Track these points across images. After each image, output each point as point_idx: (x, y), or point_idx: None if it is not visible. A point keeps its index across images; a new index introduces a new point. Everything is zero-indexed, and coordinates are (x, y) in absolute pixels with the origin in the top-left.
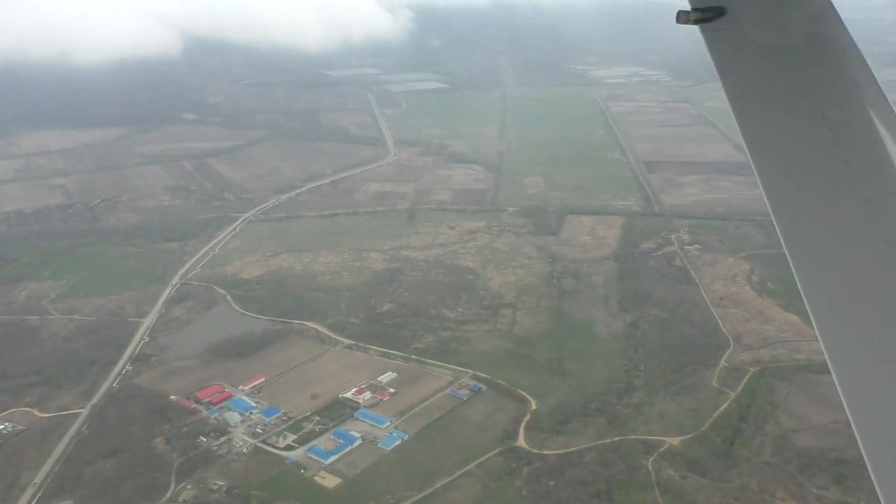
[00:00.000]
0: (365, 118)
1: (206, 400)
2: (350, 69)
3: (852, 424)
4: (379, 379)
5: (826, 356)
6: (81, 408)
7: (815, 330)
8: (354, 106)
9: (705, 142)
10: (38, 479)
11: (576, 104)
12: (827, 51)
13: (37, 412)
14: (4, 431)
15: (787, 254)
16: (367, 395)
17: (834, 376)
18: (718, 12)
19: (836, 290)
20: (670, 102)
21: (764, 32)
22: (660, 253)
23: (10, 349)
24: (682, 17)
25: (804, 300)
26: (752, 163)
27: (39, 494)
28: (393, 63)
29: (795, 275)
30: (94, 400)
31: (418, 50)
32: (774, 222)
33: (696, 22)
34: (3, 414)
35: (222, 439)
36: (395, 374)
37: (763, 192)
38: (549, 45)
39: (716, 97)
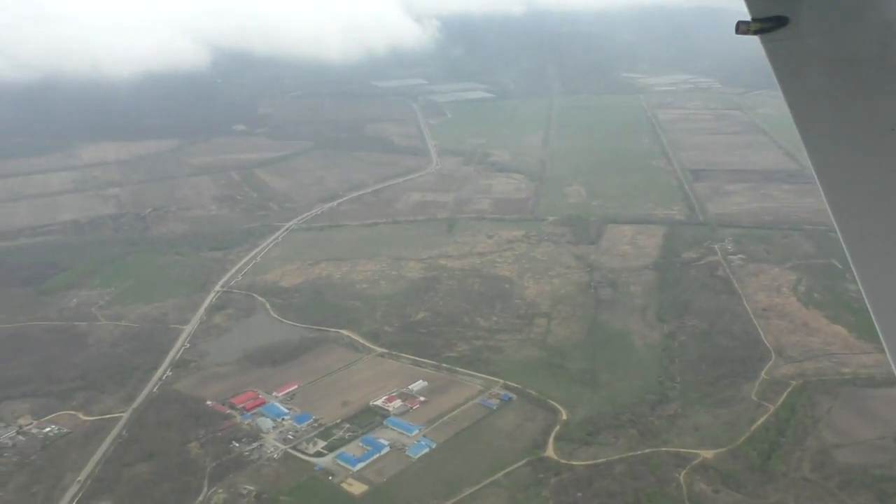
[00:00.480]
0: (409, 128)
1: (241, 406)
2: (397, 80)
3: None
4: (409, 387)
5: (894, 368)
6: (122, 412)
7: (886, 348)
8: (399, 116)
9: (756, 149)
10: (80, 479)
11: (622, 112)
12: None
13: (81, 415)
14: (50, 434)
15: (853, 269)
16: (397, 403)
17: None
18: (780, 22)
19: None
20: (721, 110)
21: (829, 42)
22: (702, 262)
23: (59, 354)
24: (741, 27)
25: (872, 317)
26: (816, 178)
27: (80, 495)
28: (439, 73)
29: (862, 290)
30: (135, 404)
31: (463, 60)
32: (840, 237)
33: (756, 32)
34: (50, 417)
35: (254, 445)
36: (425, 383)
37: (828, 207)
38: (597, 53)
39: (768, 104)
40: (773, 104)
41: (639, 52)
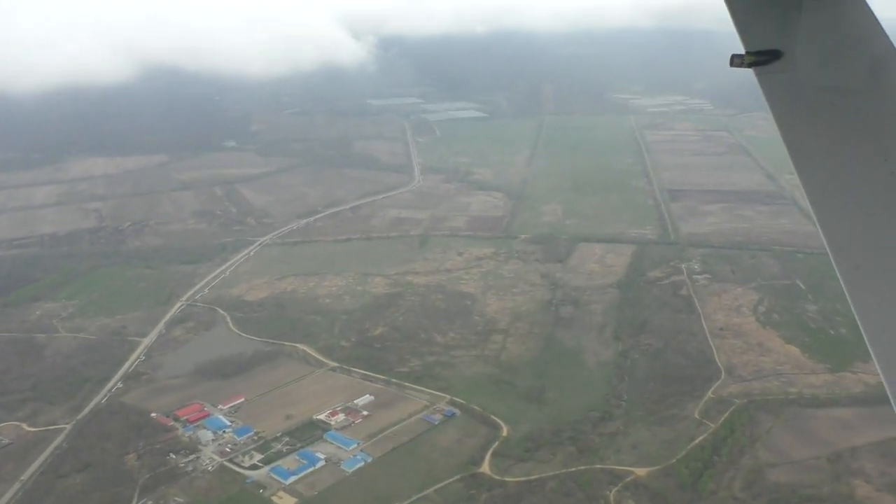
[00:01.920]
0: (397, 146)
1: (185, 418)
2: (393, 98)
3: None
4: (355, 402)
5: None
6: (67, 423)
7: (879, 370)
8: (390, 134)
9: (737, 171)
10: (12, 490)
11: (611, 133)
12: (889, 92)
13: (25, 426)
14: None
15: (848, 298)
16: (340, 417)
17: None
18: (774, 55)
19: None
20: (709, 131)
21: (822, 75)
22: (667, 282)
23: (14, 365)
24: (735, 60)
25: (870, 350)
26: (811, 208)
27: None
28: (435, 92)
29: (858, 320)
30: (80, 416)
31: (459, 80)
32: (835, 268)
33: (750, 65)
34: None
35: (191, 457)
36: (371, 398)
37: (823, 237)
38: (593, 74)
39: (757, 126)
40: (761, 126)
41: (635, 73)
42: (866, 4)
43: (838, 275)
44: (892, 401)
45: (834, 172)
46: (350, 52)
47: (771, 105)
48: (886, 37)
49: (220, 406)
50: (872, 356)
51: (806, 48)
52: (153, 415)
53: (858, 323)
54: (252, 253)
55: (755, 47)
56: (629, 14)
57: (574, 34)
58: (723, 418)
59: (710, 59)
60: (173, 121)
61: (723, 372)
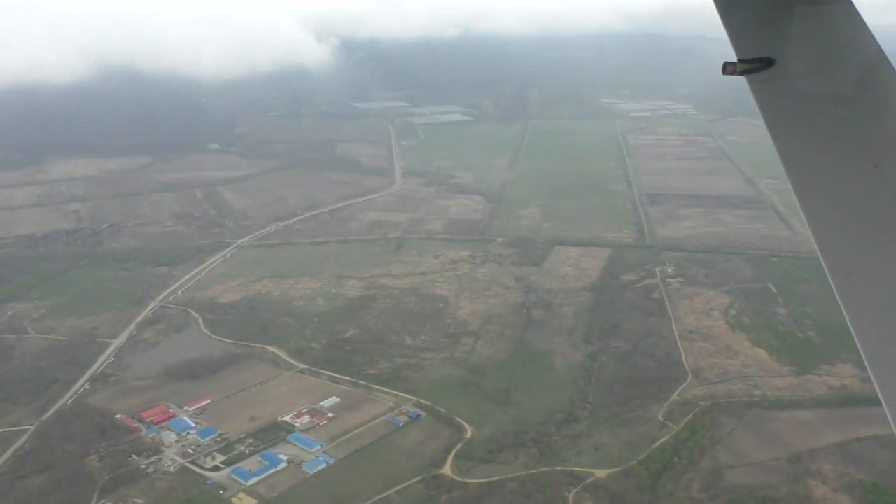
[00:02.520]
0: (380, 149)
1: (149, 420)
2: (378, 101)
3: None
4: (321, 404)
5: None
6: (31, 424)
7: (876, 388)
8: (373, 137)
9: (717, 175)
10: None
11: (594, 137)
12: (880, 99)
13: None
14: None
15: (841, 305)
16: (305, 419)
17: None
18: (766, 63)
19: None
20: (691, 136)
21: (814, 82)
22: (639, 285)
23: None
24: (728, 68)
25: (863, 357)
26: (803, 214)
27: None
28: (422, 96)
29: (851, 326)
30: (44, 417)
31: (439, 83)
32: (827, 273)
33: (742, 73)
34: None
35: (153, 458)
36: (338, 400)
37: (815, 243)
38: (581, 79)
39: (739, 130)
40: (742, 131)
41: (622, 78)
42: (857, 12)
43: (830, 281)
44: (885, 406)
45: (826, 179)
46: (314, 54)
47: (763, 112)
48: (877, 44)
49: (185, 408)
50: (865, 362)
51: (798, 56)
52: (118, 416)
53: (851, 329)
54: (229, 255)
55: (747, 55)
56: (603, 18)
57: (546, 38)
58: (685, 420)
59: (696, 64)
60: (157, 123)
61: (689, 374)
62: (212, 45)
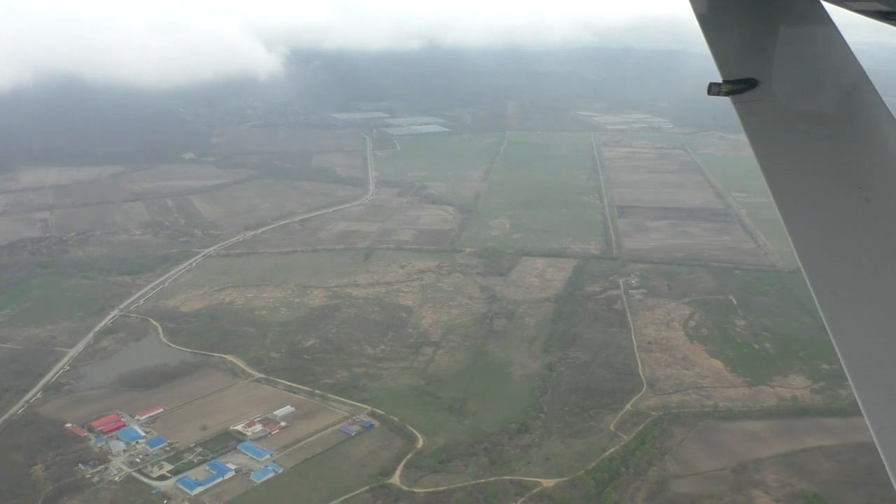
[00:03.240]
0: (355, 159)
1: (99, 429)
2: (358, 112)
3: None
4: (275, 413)
5: (872, 432)
6: None
7: (859, 403)
8: (350, 147)
9: (688, 188)
10: None
11: (569, 149)
12: (862, 120)
13: None
14: None
15: (825, 324)
16: (258, 427)
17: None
18: (750, 84)
19: (881, 364)
20: (665, 149)
21: (797, 103)
22: (603, 296)
23: None
24: (713, 89)
25: (846, 374)
26: (787, 233)
27: None
28: (402, 107)
29: (835, 345)
30: None
31: (428, 94)
32: (812, 292)
33: (727, 94)
34: None
35: (99, 468)
36: (292, 409)
37: (799, 263)
38: (560, 92)
39: (713, 144)
40: (717, 145)
41: (601, 91)
42: (839, 34)
43: (815, 299)
44: (867, 421)
45: (809, 199)
46: (268, 65)
47: (748, 132)
48: (859, 65)
49: (137, 417)
50: (849, 380)
51: (781, 77)
52: (67, 425)
53: (835, 346)
54: (194, 264)
55: (732, 76)
56: (568, 32)
57: (519, 50)
58: (636, 431)
59: (674, 79)
60: (132, 132)
61: (644, 385)
62: (173, 57)
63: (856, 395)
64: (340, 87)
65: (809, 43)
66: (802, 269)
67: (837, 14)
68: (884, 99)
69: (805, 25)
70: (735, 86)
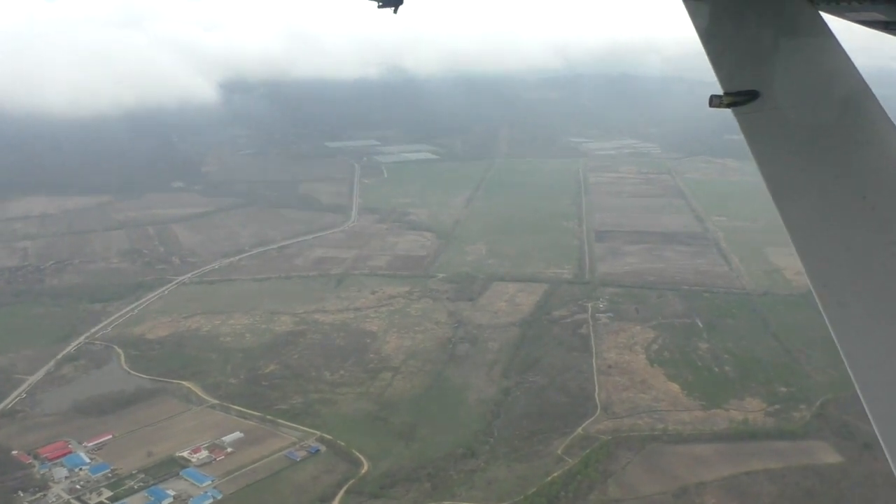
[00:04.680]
0: (341, 187)
1: (45, 455)
2: (351, 140)
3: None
4: (223, 439)
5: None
6: None
7: (869, 415)
8: (338, 175)
9: (669, 212)
10: None
11: (556, 175)
12: (864, 130)
13: None
14: None
15: (834, 337)
16: (203, 454)
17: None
18: (751, 95)
19: (887, 371)
20: (652, 174)
21: (799, 114)
22: (569, 320)
23: None
24: (714, 101)
25: (856, 388)
26: (793, 245)
27: None
28: (394, 135)
29: (844, 358)
30: None
31: (420, 123)
32: (819, 304)
33: (728, 105)
34: None
35: (38, 495)
36: (241, 435)
37: (806, 274)
38: (552, 118)
39: (699, 169)
40: (703, 169)
41: (593, 118)
42: (839, 45)
43: (822, 311)
44: (878, 434)
45: (814, 209)
46: (206, 95)
47: (750, 144)
48: (860, 76)
49: (85, 443)
50: (859, 393)
51: (782, 88)
52: (14, 452)
53: (843, 358)
54: (167, 292)
55: (733, 88)
56: (538, 58)
57: (462, 79)
58: (584, 455)
59: (667, 105)
60: (123, 161)
61: (598, 409)
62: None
63: (863, 402)
64: (330, 117)
65: (809, 53)
66: (808, 280)
67: (836, 22)
68: (885, 107)
69: (805, 37)
70: (736, 97)
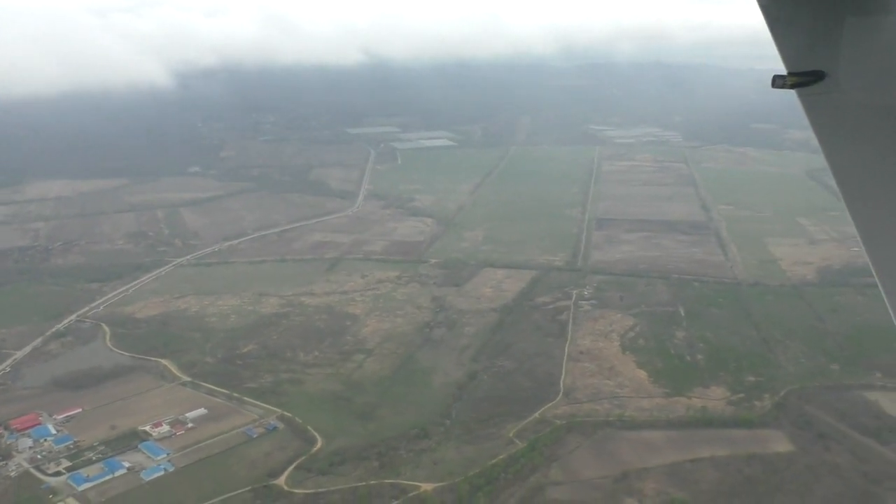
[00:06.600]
0: (353, 173)
1: (14, 427)
2: (371, 127)
3: None
4: (186, 415)
5: None
6: None
7: None
8: (352, 161)
9: (676, 201)
10: None
11: (570, 163)
12: None
13: None
14: None
15: (894, 320)
16: (164, 428)
17: None
18: (817, 76)
19: None
20: (667, 162)
21: (867, 95)
22: (551, 307)
23: None
24: (777, 81)
25: None
26: (856, 228)
27: None
28: (415, 121)
29: None
30: None
31: (442, 109)
32: (881, 288)
33: (793, 86)
34: None
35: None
36: (205, 411)
37: (867, 257)
38: (576, 106)
39: (716, 157)
40: (719, 158)
41: (619, 105)
42: None
43: (883, 295)
44: None
45: (880, 192)
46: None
47: (814, 126)
48: None
49: (54, 416)
50: None
51: (849, 68)
52: None
53: None
54: (164, 273)
55: (797, 68)
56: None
57: (510, 62)
58: (532, 438)
59: (695, 92)
60: (144, 145)
61: (560, 394)
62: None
63: None
64: (354, 104)
65: (878, 33)
66: (872, 270)
67: None
68: None
69: (875, 14)
70: (801, 78)
